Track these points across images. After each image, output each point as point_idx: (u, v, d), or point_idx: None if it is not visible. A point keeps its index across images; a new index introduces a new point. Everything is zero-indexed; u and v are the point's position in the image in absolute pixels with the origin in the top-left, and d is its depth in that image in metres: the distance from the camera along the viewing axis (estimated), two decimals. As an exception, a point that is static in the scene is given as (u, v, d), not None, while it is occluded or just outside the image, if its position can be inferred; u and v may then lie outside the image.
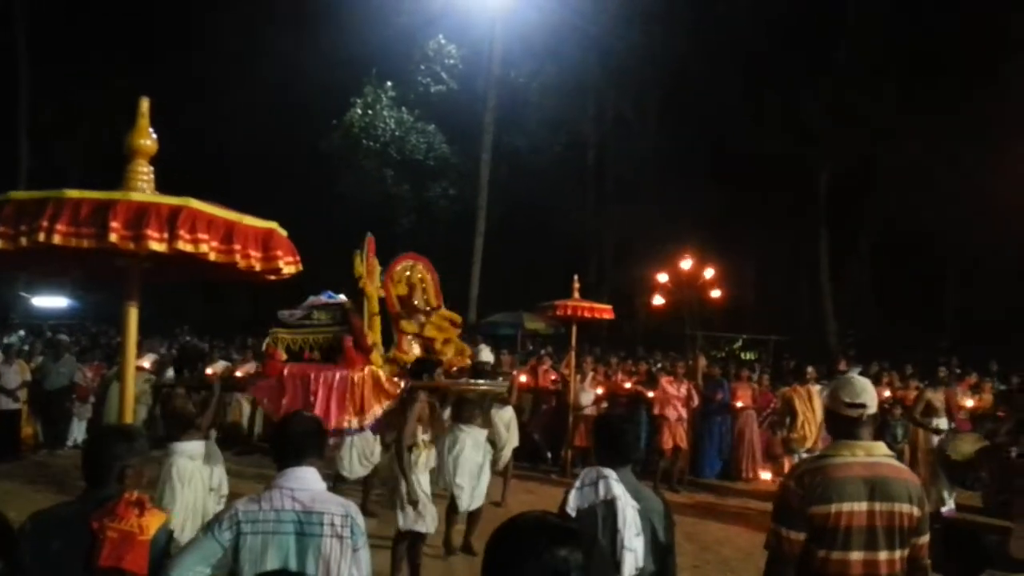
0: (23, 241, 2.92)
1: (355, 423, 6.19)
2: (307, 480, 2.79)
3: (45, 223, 2.88)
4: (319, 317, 6.59)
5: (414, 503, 5.38)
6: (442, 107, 24.61)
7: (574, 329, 10.69)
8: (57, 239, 2.88)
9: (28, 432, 11.15)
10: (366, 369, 6.37)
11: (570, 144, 25.83)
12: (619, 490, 3.00)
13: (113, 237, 2.89)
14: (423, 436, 5.53)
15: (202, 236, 3.03)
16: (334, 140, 24.37)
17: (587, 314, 10.45)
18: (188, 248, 2.98)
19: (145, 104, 3.38)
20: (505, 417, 9.01)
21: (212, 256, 3.08)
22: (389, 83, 24.35)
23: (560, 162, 25.34)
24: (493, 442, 7.94)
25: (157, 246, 2.94)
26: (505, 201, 24.42)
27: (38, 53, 25.55)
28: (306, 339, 6.42)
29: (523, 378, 11.11)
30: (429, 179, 24.87)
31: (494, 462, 9.15)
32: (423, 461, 5.57)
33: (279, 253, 3.34)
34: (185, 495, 5.12)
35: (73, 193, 2.97)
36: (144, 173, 3.32)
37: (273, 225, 3.38)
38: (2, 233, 2.93)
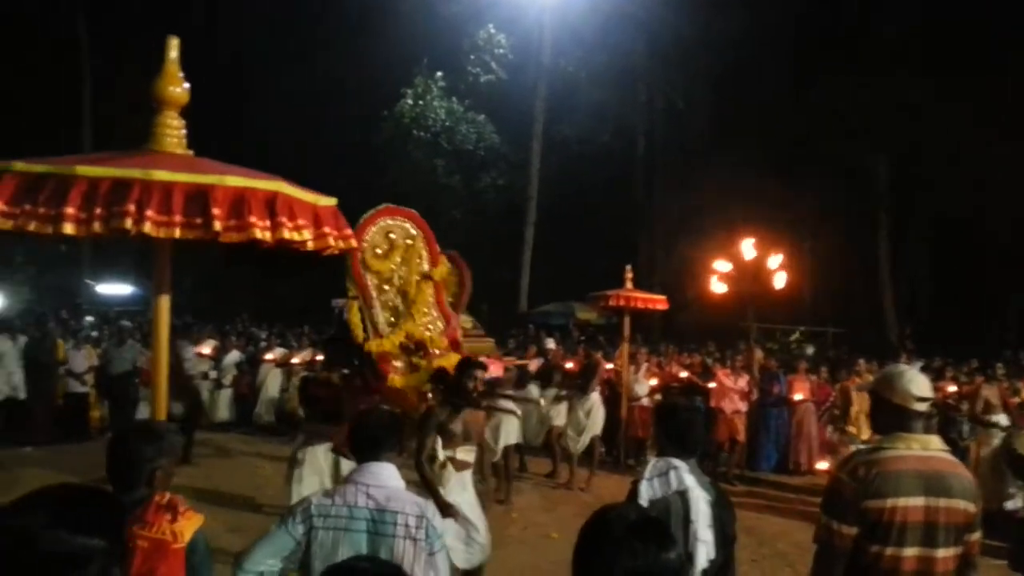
0: (96, 227, 2.39)
1: None
2: (383, 476, 2.70)
3: (131, 207, 2.38)
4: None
5: (450, 514, 4.22)
6: (492, 97, 24.56)
7: (627, 320, 10.60)
8: (148, 228, 2.40)
9: (96, 415, 11.54)
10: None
11: (619, 133, 25.58)
12: (690, 480, 2.93)
13: (217, 226, 2.50)
14: (445, 452, 4.56)
15: (302, 222, 2.72)
16: (385, 131, 24.54)
17: (640, 304, 10.36)
18: (293, 236, 2.68)
19: (174, 43, 2.91)
20: (587, 404, 9.01)
21: (310, 244, 2.81)
22: (439, 73, 24.35)
23: (610, 151, 25.11)
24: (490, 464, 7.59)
25: (262, 235, 2.61)
26: (555, 190, 24.33)
27: (98, 46, 26.23)
28: None
29: (569, 365, 11.04)
30: (479, 169, 24.89)
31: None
32: (450, 480, 4.56)
33: (348, 232, 3.09)
34: (312, 478, 5.33)
35: (161, 175, 2.46)
36: (175, 127, 2.90)
37: (333, 201, 3.10)
38: (71, 216, 2.35)
